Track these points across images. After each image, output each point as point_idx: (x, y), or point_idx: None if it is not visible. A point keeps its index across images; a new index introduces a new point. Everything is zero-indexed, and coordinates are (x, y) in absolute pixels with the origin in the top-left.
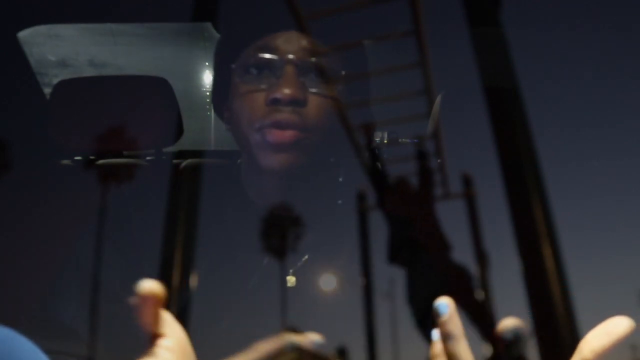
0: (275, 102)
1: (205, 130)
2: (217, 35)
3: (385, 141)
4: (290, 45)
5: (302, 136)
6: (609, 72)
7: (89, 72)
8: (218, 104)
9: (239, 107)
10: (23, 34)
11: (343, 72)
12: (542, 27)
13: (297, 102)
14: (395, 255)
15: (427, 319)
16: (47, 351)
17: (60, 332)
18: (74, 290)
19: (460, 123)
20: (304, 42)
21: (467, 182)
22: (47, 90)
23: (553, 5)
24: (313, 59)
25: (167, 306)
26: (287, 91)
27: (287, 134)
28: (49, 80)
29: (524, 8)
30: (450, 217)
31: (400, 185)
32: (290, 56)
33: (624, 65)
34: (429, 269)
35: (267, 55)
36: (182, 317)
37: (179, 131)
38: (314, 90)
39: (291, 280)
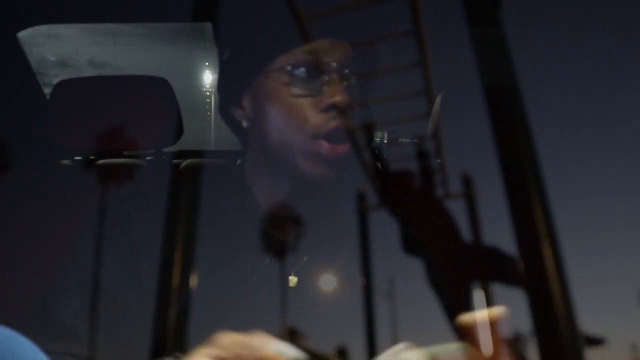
0: (330, 109)
1: (205, 130)
2: (217, 35)
3: (385, 141)
4: (337, 53)
5: (346, 148)
6: (609, 72)
7: (89, 72)
8: (225, 101)
9: (285, 111)
10: (23, 34)
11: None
12: (542, 27)
13: (349, 109)
14: (406, 247)
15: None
16: (47, 351)
17: (60, 332)
18: (74, 290)
19: (460, 123)
20: (347, 51)
21: (467, 182)
22: (47, 91)
23: (553, 6)
24: (356, 67)
25: (167, 306)
26: (341, 98)
27: (342, 149)
28: (49, 80)
29: (524, 8)
30: None
31: (401, 185)
32: (337, 64)
33: (624, 65)
34: (432, 266)
35: (317, 61)
36: (182, 317)
37: (179, 131)
38: (357, 97)
39: (293, 280)
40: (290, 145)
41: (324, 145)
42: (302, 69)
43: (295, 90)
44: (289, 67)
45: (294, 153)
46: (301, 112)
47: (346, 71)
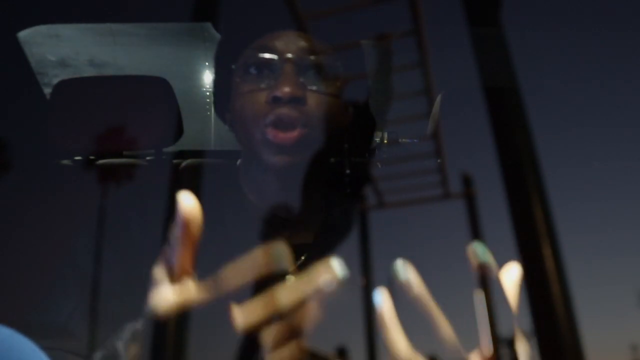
0: (275, 101)
1: (205, 130)
2: (217, 36)
3: (385, 141)
4: (289, 45)
5: (303, 133)
6: (610, 72)
7: (89, 72)
8: (219, 105)
9: (241, 107)
10: (23, 34)
11: (341, 69)
12: (542, 27)
13: (296, 100)
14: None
15: None
16: (46, 351)
17: (59, 332)
18: (74, 290)
19: (460, 123)
20: (301, 41)
21: (467, 182)
22: (47, 90)
23: (553, 5)
24: (311, 57)
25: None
26: (286, 89)
27: (289, 135)
28: (49, 80)
29: (523, 8)
30: (450, 217)
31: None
32: (289, 55)
33: (624, 65)
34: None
35: (266, 55)
36: (182, 317)
37: (179, 131)
38: (313, 87)
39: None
40: (250, 138)
41: (270, 132)
42: (256, 64)
43: (250, 86)
44: (244, 64)
45: (254, 146)
46: (252, 106)
47: (301, 62)
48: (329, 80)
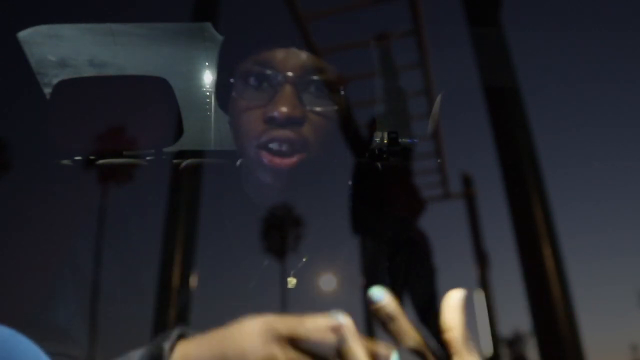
0: (271, 121)
1: (205, 130)
2: (217, 36)
3: (385, 141)
4: (290, 62)
5: (301, 159)
6: (610, 73)
7: (89, 72)
8: (223, 102)
9: (238, 121)
10: (23, 34)
11: (342, 91)
12: (542, 27)
13: (293, 121)
14: (393, 256)
15: (428, 315)
16: (46, 352)
17: (59, 333)
18: (74, 291)
19: (460, 123)
20: (303, 58)
21: (467, 182)
22: (47, 90)
23: (553, 6)
24: (312, 76)
25: (167, 306)
26: (283, 109)
27: (286, 162)
28: (49, 80)
29: (523, 8)
30: (450, 217)
31: (398, 185)
32: (290, 73)
33: (624, 66)
34: (428, 268)
35: (265, 71)
36: (182, 317)
37: (179, 131)
38: (312, 107)
39: (292, 282)
40: (244, 154)
41: (265, 157)
42: (256, 79)
43: (248, 102)
44: (244, 77)
45: (249, 162)
46: (248, 122)
47: (302, 80)
48: (331, 99)
